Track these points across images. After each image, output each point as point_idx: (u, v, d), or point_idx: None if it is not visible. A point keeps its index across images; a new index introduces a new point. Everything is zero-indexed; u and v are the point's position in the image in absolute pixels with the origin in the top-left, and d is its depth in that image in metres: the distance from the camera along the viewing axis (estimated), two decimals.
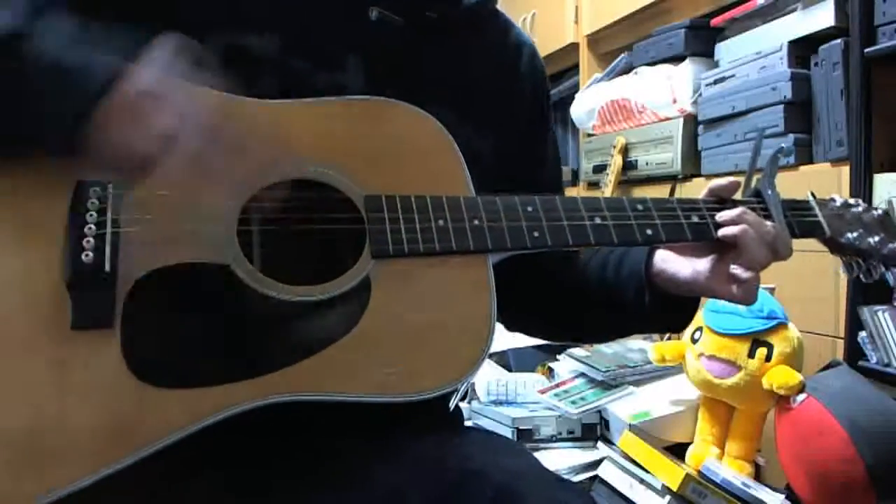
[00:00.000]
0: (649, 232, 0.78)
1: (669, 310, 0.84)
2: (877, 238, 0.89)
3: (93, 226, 0.62)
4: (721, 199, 0.83)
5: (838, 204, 0.91)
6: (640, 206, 0.79)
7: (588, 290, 0.90)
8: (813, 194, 0.90)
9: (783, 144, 0.89)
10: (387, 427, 0.72)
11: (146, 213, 0.64)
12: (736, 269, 0.78)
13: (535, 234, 0.74)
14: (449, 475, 0.68)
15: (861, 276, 0.91)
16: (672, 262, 0.82)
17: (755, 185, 0.87)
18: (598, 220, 0.76)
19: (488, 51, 0.89)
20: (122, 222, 0.63)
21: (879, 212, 0.92)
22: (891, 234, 0.91)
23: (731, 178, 0.86)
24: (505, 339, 1.71)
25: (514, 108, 0.90)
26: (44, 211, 0.62)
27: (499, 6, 0.92)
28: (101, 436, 0.58)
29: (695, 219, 0.80)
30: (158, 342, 0.62)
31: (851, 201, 0.92)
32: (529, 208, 0.75)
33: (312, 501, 0.70)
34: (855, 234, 0.88)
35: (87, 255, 0.61)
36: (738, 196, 0.85)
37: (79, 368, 0.59)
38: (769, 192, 0.85)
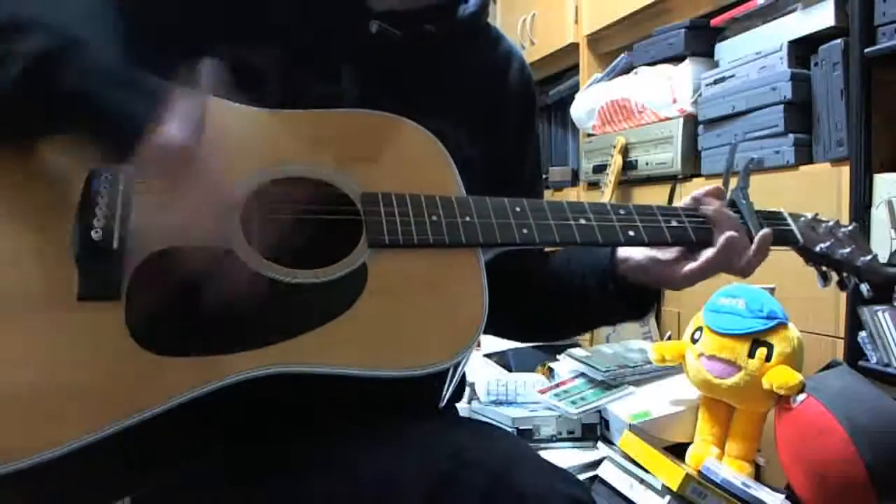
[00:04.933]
0: (631, 233, 0.82)
1: (630, 297, 0.87)
2: (848, 250, 0.92)
3: (103, 207, 0.65)
4: (699, 207, 0.87)
5: (809, 218, 0.94)
6: (622, 211, 0.83)
7: (553, 283, 0.93)
8: (782, 210, 0.93)
9: (753, 156, 0.91)
10: (380, 416, 0.73)
11: (155, 198, 0.67)
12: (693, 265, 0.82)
13: (524, 230, 0.77)
14: (442, 462, 0.69)
15: (836, 286, 0.94)
16: (635, 252, 0.86)
17: (730, 195, 0.89)
18: (583, 221, 0.80)
19: (480, 62, 0.92)
20: (131, 206, 0.67)
21: (850, 228, 0.95)
22: (861, 247, 0.94)
23: (715, 185, 0.89)
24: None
25: (503, 116, 0.92)
26: (58, 194, 0.66)
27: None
28: (100, 397, 0.61)
29: (674, 223, 0.84)
30: (162, 315, 0.65)
31: (822, 217, 0.95)
32: (518, 208, 0.79)
33: (305, 489, 0.71)
34: (827, 245, 0.91)
35: (96, 233, 0.64)
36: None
37: (83, 335, 0.62)
38: (743, 201, 0.89)
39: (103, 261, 0.64)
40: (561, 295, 0.92)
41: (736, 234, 0.82)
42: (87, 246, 0.64)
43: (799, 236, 0.90)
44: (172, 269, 0.65)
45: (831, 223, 0.94)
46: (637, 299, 0.87)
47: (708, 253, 0.82)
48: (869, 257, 0.93)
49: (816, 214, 0.95)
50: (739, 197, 0.88)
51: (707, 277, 0.83)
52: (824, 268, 0.93)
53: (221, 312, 0.66)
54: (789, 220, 0.91)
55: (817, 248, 0.91)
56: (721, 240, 0.82)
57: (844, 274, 0.93)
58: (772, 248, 0.87)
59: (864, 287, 0.93)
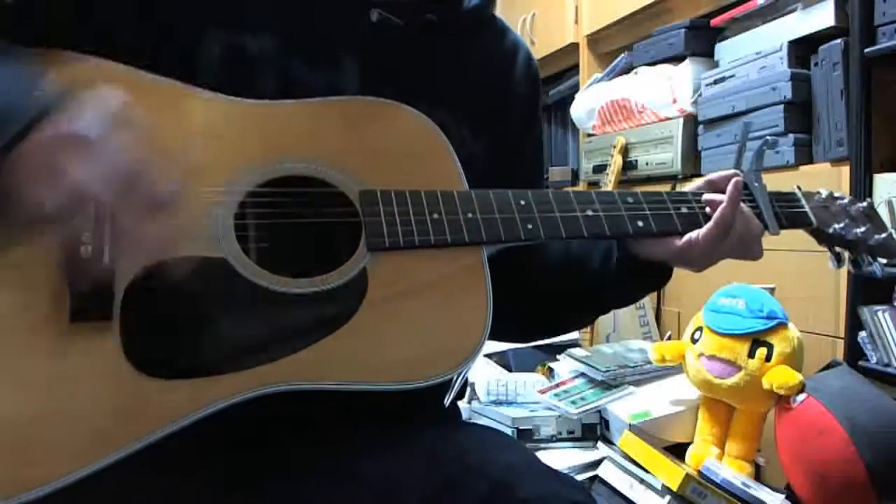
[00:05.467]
0: (640, 223, 0.80)
1: (638, 273, 0.84)
2: (863, 229, 0.91)
3: (90, 219, 0.62)
4: (713, 191, 0.85)
5: (824, 196, 0.92)
6: (630, 199, 0.81)
7: (555, 266, 0.90)
8: (799, 188, 0.92)
9: (768, 137, 0.89)
10: (382, 422, 0.73)
11: (143, 207, 0.63)
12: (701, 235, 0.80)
13: (529, 225, 0.75)
14: (444, 469, 0.69)
15: (849, 266, 0.93)
16: None
17: (742, 178, 0.87)
18: (589, 212, 0.78)
19: (485, 54, 0.89)
20: (120, 216, 0.63)
21: (864, 204, 0.94)
22: (876, 225, 0.93)
23: (730, 171, 0.87)
24: None
25: (508, 110, 0.90)
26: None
27: (499, 8, 0.92)
28: (99, 425, 0.59)
29: (684, 209, 0.82)
30: (157, 334, 0.63)
31: (837, 194, 0.94)
32: (522, 202, 0.76)
33: (306, 496, 0.70)
34: (841, 225, 0.90)
35: (85, 249, 0.61)
36: None
37: (77, 360, 0.60)
38: (756, 183, 0.87)
39: (95, 279, 0.60)
40: (564, 276, 0.89)
41: (728, 209, 0.80)
42: (78, 263, 0.60)
43: (812, 218, 0.89)
44: (164, 283, 0.63)
45: (846, 200, 0.93)
46: (643, 271, 0.85)
47: (705, 227, 0.80)
48: (884, 235, 0.91)
49: (831, 192, 0.93)
50: (752, 179, 0.87)
51: (714, 252, 0.80)
52: (837, 248, 0.92)
53: (218, 328, 0.64)
54: (803, 202, 0.90)
55: (830, 230, 0.89)
56: (715, 215, 0.80)
57: (858, 253, 0.92)
58: (785, 228, 0.86)
59: (876, 266, 0.91)
